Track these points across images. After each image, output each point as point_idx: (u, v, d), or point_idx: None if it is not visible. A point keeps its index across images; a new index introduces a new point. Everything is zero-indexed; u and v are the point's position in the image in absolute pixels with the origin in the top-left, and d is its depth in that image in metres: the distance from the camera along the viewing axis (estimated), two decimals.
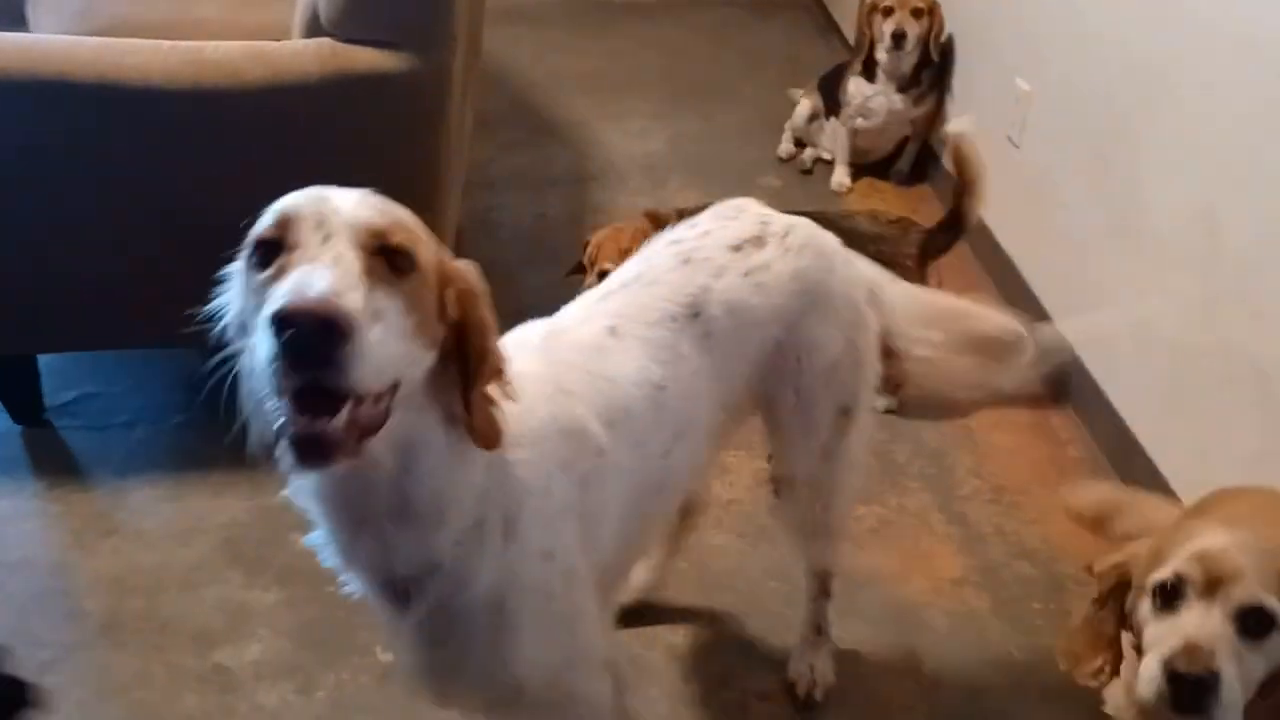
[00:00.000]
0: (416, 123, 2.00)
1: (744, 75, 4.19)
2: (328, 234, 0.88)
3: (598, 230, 2.49)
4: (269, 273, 0.88)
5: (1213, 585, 1.11)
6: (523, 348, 1.18)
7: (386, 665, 1.81)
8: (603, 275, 2.36)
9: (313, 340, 0.79)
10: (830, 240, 1.49)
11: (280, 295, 0.81)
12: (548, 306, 1.39)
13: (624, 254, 2.33)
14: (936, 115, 3.35)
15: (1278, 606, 1.10)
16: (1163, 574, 1.16)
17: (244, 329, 0.93)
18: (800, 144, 3.58)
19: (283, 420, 0.85)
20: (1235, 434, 1.89)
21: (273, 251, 0.89)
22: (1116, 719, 1.40)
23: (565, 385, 1.20)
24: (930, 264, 2.41)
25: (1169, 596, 1.15)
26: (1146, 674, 1.12)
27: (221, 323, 0.97)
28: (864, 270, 1.54)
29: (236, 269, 0.96)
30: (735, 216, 1.46)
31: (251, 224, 0.93)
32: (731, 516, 2.18)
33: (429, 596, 1.08)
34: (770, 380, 1.47)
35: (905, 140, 3.43)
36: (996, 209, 2.94)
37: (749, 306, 1.38)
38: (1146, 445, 2.16)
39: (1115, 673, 1.27)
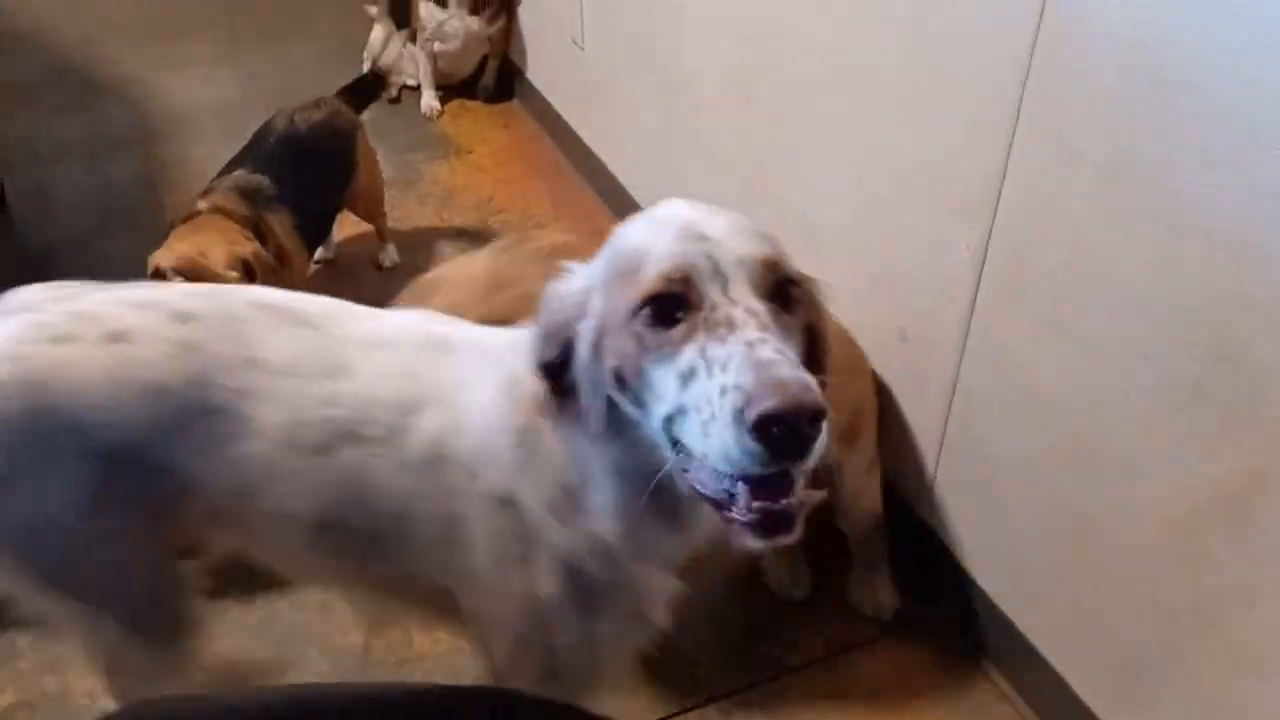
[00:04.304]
0: None
1: (313, 2, 4.00)
2: (724, 280, 0.86)
3: (178, 241, 2.10)
4: (674, 333, 0.85)
5: None
6: None
7: None
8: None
9: (801, 434, 0.78)
10: None
11: (753, 390, 0.78)
12: (135, 277, 1.31)
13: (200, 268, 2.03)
14: (510, 29, 3.39)
15: None
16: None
17: (634, 378, 0.89)
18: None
19: (738, 500, 0.84)
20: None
21: (671, 306, 0.86)
22: None
23: None
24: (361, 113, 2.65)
25: None
26: None
27: (582, 348, 0.93)
28: None
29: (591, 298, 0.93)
30: None
31: None
32: None
33: None
34: None
35: (486, 58, 3.45)
36: (575, 110, 3.06)
37: None
38: None
39: None
